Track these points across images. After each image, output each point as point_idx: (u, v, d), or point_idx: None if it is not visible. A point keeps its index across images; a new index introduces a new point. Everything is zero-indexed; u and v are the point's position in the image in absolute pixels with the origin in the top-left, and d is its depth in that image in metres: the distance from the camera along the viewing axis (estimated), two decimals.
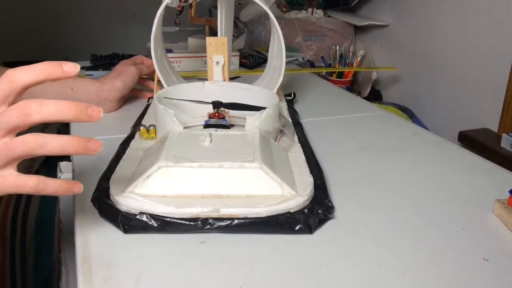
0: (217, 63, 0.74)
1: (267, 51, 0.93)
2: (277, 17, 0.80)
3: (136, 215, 0.46)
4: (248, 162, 0.48)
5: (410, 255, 0.44)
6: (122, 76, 0.80)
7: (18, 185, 0.38)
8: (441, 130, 1.23)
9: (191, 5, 0.93)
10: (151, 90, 0.87)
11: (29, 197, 1.04)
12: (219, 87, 0.73)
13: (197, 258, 0.43)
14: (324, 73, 1.41)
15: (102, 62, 1.06)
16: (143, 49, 1.14)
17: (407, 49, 1.41)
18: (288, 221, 0.46)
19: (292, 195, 0.48)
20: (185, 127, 0.60)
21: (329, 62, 1.48)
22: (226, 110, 0.66)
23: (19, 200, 1.04)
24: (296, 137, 0.65)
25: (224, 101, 0.65)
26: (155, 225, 0.45)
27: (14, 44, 1.89)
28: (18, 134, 0.39)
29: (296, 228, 0.46)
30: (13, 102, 0.39)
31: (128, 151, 0.60)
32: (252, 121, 0.60)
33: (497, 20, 1.09)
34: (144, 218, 0.46)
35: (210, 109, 0.65)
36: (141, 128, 0.65)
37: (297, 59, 1.35)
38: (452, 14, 1.23)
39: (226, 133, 0.58)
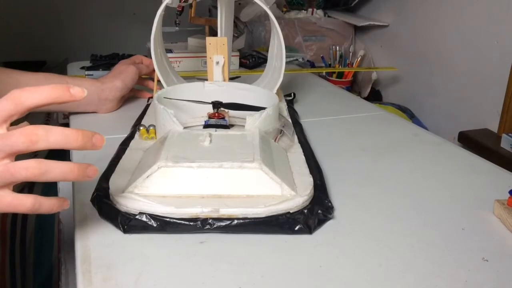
0: (217, 63, 0.74)
1: (267, 51, 0.93)
2: (277, 17, 0.80)
3: (135, 215, 0.46)
4: (247, 162, 0.48)
5: (410, 255, 0.44)
6: (122, 76, 0.80)
7: (14, 204, 0.38)
8: (441, 130, 1.23)
9: (191, 5, 0.93)
10: (151, 90, 0.87)
11: None
12: (219, 87, 0.73)
13: (196, 258, 0.43)
14: (324, 73, 1.42)
15: (102, 62, 1.07)
16: (143, 49, 1.14)
17: (407, 49, 1.41)
18: (287, 221, 0.46)
19: (292, 195, 0.48)
20: (185, 127, 0.60)
21: (329, 62, 1.48)
22: (226, 110, 0.66)
23: None
24: (296, 137, 0.65)
25: (224, 101, 0.65)
26: (155, 225, 0.45)
27: (14, 44, 1.89)
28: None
29: (296, 228, 0.46)
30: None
31: (128, 151, 0.60)
32: (252, 121, 0.60)
33: (497, 20, 1.09)
34: (144, 218, 0.46)
35: (210, 109, 0.65)
36: (141, 128, 0.65)
37: (297, 59, 1.35)
38: (452, 14, 1.23)
39: (226, 133, 0.58)
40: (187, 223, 0.45)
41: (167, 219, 0.45)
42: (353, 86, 1.50)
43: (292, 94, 0.89)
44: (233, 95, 0.70)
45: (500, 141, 1.03)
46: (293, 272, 0.41)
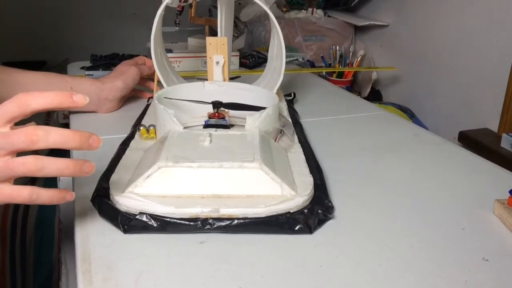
0: (217, 63, 0.74)
1: (267, 51, 0.93)
2: (277, 17, 0.80)
3: (136, 215, 0.46)
4: (248, 162, 0.48)
5: (410, 255, 0.44)
6: (123, 76, 0.80)
7: (13, 195, 0.41)
8: (441, 130, 1.23)
9: (191, 5, 0.93)
10: (152, 91, 0.87)
11: None
12: (219, 87, 0.73)
13: (196, 258, 0.43)
14: (324, 73, 1.42)
15: (102, 62, 1.06)
16: (143, 49, 1.14)
17: (407, 49, 1.41)
18: (288, 221, 0.46)
19: (292, 195, 0.48)
20: (185, 127, 0.60)
21: (329, 62, 1.48)
22: (226, 110, 0.66)
23: None
24: (296, 137, 0.65)
25: (224, 101, 0.65)
26: (155, 225, 0.45)
27: (14, 44, 1.89)
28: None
29: (296, 228, 0.46)
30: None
31: (128, 151, 0.60)
32: (252, 121, 0.60)
33: (497, 20, 1.09)
34: (144, 218, 0.46)
35: (210, 109, 0.65)
36: (141, 128, 0.65)
37: (297, 59, 1.35)
38: (452, 14, 1.23)
39: (226, 133, 0.58)
40: (187, 223, 0.45)
41: (167, 219, 0.45)
42: (353, 86, 1.50)
43: (292, 94, 0.89)
44: (233, 95, 0.70)
45: (500, 141, 1.03)
46: (293, 272, 0.41)
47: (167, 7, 0.72)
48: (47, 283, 1.08)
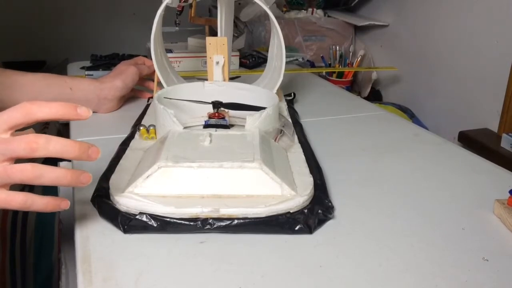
0: (217, 63, 0.74)
1: (267, 51, 0.93)
2: (277, 17, 0.80)
3: (136, 215, 0.46)
4: (248, 162, 0.48)
5: (410, 255, 0.44)
6: (122, 76, 0.80)
7: (7, 200, 0.41)
8: (441, 130, 1.23)
9: (191, 5, 0.93)
10: (151, 91, 0.87)
11: None
12: (219, 87, 0.73)
13: (196, 258, 0.43)
14: (324, 73, 1.41)
15: (102, 62, 1.07)
16: (143, 49, 1.14)
17: (407, 49, 1.41)
18: (288, 221, 0.46)
19: (292, 195, 0.48)
20: (185, 127, 0.60)
21: (329, 62, 1.48)
22: (226, 110, 0.66)
23: None
24: (296, 137, 0.65)
25: (224, 101, 0.65)
26: (155, 225, 0.45)
27: (14, 44, 1.89)
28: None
29: (296, 228, 0.46)
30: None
31: (128, 151, 0.60)
32: (252, 121, 0.60)
33: (497, 20, 1.09)
34: (144, 218, 0.46)
35: (210, 109, 0.65)
36: (141, 128, 0.65)
37: (297, 59, 1.35)
38: (452, 14, 1.23)
39: (226, 133, 0.58)
40: (187, 223, 0.45)
41: (167, 219, 0.45)
42: (353, 86, 1.50)
43: (292, 94, 0.89)
44: (233, 95, 0.70)
45: (500, 141, 1.03)
46: (293, 272, 0.41)
47: (167, 7, 0.72)
48: (47, 283, 1.08)
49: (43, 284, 1.09)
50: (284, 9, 1.58)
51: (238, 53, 1.13)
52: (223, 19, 0.77)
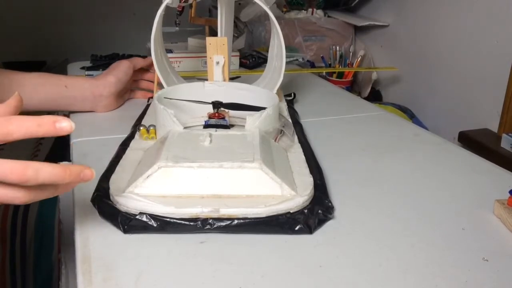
0: (217, 63, 0.74)
1: (267, 51, 0.93)
2: (277, 17, 0.80)
3: (136, 215, 0.46)
4: (248, 162, 0.48)
5: (410, 255, 0.44)
6: (114, 71, 0.81)
7: (4, 199, 0.38)
8: (441, 130, 1.23)
9: (191, 5, 0.93)
10: (151, 91, 0.87)
11: None
12: (219, 87, 0.73)
13: (196, 258, 0.43)
14: (324, 73, 1.41)
15: (102, 62, 1.06)
16: (143, 49, 1.14)
17: (407, 49, 1.41)
18: (288, 221, 0.46)
19: (292, 195, 0.48)
20: (185, 127, 0.60)
21: (329, 62, 1.48)
22: (226, 110, 0.66)
23: None
24: (296, 137, 0.65)
25: (224, 101, 0.65)
26: (155, 225, 0.45)
27: (14, 44, 1.89)
28: None
29: (296, 228, 0.46)
30: None
31: (128, 151, 0.60)
32: (252, 121, 0.60)
33: (497, 20, 1.09)
34: (144, 218, 0.46)
35: (210, 109, 0.65)
36: (141, 128, 0.65)
37: (297, 59, 1.35)
38: (452, 14, 1.23)
39: (226, 133, 0.58)
40: (187, 223, 0.45)
41: (167, 219, 0.45)
42: (353, 86, 1.50)
43: (292, 94, 0.89)
44: (233, 95, 0.70)
45: (500, 141, 1.03)
46: (293, 272, 0.41)
47: (167, 7, 0.72)
48: (47, 283, 1.08)
49: (43, 284, 1.09)
50: (284, 9, 1.58)
51: (238, 53, 1.13)
52: (223, 19, 0.77)
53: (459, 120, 1.20)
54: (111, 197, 0.48)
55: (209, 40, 0.73)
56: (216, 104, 0.65)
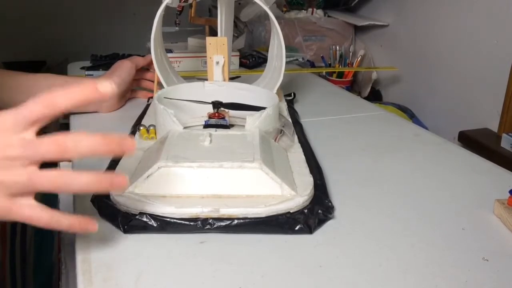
0: (217, 63, 0.74)
1: (267, 51, 0.93)
2: (277, 17, 0.80)
3: (136, 215, 0.46)
4: (248, 162, 0.48)
5: (410, 255, 0.44)
6: (117, 72, 0.81)
7: (34, 219, 0.38)
8: (441, 130, 1.23)
9: (191, 5, 0.93)
10: (151, 91, 0.87)
11: None
12: (219, 87, 0.73)
13: (197, 258, 0.43)
14: (324, 73, 1.41)
15: (102, 62, 1.06)
16: (143, 49, 1.14)
17: (407, 49, 1.41)
18: (288, 221, 0.46)
19: (292, 195, 0.48)
20: (185, 127, 0.60)
21: (329, 62, 1.48)
22: (226, 110, 0.66)
23: None
24: (296, 137, 0.65)
25: (224, 101, 0.65)
26: (155, 225, 0.45)
27: (14, 44, 1.89)
28: None
29: (296, 228, 0.46)
30: None
31: None
32: (252, 121, 0.60)
33: (497, 20, 1.09)
34: (144, 218, 0.45)
35: (210, 109, 0.65)
36: (141, 128, 0.65)
37: (297, 59, 1.35)
38: (452, 14, 1.23)
39: (226, 133, 0.58)
40: (187, 223, 0.45)
41: (167, 219, 0.45)
42: (353, 86, 1.50)
43: (292, 94, 0.89)
44: (233, 95, 0.70)
45: (500, 141, 1.03)
46: (293, 272, 0.41)
47: (167, 7, 0.72)
48: (47, 283, 1.08)
49: (43, 284, 1.09)
50: (284, 9, 1.58)
51: (238, 53, 1.13)
52: (223, 19, 0.77)
53: (459, 120, 1.20)
54: (111, 197, 0.48)
55: (209, 40, 0.73)
56: (216, 104, 0.65)
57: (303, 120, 0.78)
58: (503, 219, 0.50)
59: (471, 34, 1.17)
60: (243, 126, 0.61)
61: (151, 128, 0.65)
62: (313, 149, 0.64)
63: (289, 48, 1.35)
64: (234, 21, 1.22)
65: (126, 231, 0.46)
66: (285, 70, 0.75)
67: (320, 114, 0.83)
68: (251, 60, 1.17)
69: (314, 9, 1.59)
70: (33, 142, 0.36)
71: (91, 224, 0.40)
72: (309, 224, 0.47)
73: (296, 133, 0.67)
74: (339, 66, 1.45)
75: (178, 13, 0.91)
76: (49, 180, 0.36)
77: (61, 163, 0.67)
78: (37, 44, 1.93)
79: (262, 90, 0.73)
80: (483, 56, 1.13)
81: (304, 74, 1.15)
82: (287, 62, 0.76)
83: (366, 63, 1.53)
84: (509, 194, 0.51)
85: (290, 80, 1.04)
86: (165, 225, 0.45)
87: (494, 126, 1.11)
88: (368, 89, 1.46)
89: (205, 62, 0.77)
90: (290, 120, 0.74)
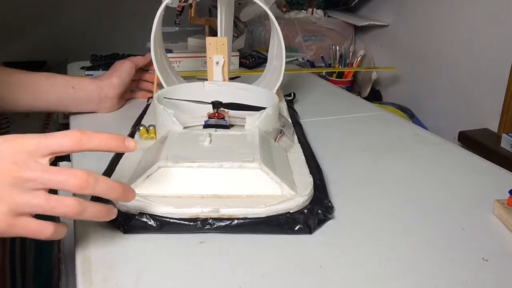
0: (217, 63, 0.74)
1: (267, 51, 0.93)
2: (277, 17, 0.80)
3: (135, 215, 0.46)
4: (247, 162, 0.48)
5: (410, 255, 0.44)
6: (117, 72, 0.81)
7: (37, 232, 0.39)
8: (441, 130, 1.23)
9: (191, 5, 0.93)
10: (150, 91, 0.87)
11: None
12: (219, 87, 0.73)
13: (196, 258, 0.43)
14: (324, 73, 1.41)
15: (102, 62, 1.06)
16: (143, 49, 1.14)
17: (407, 49, 1.41)
18: (287, 221, 0.46)
19: (292, 195, 0.48)
20: (184, 127, 0.60)
21: (329, 62, 1.48)
22: (226, 110, 0.66)
23: None
24: (295, 137, 0.65)
25: (224, 101, 0.65)
26: (155, 225, 0.45)
27: (14, 44, 1.89)
28: None
29: (296, 228, 0.46)
30: None
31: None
32: (252, 121, 0.60)
33: (497, 20, 1.09)
34: (144, 218, 0.46)
35: (210, 109, 0.65)
36: (141, 128, 0.65)
37: (297, 59, 1.35)
38: (452, 14, 1.23)
39: (226, 133, 0.58)
40: (187, 223, 0.45)
41: (167, 219, 0.45)
42: (353, 86, 1.50)
43: (292, 94, 0.89)
44: (233, 95, 0.70)
45: (500, 141, 1.03)
46: (293, 272, 0.41)
47: (167, 7, 0.72)
48: (47, 283, 1.08)
49: (43, 284, 1.09)
50: (284, 9, 1.58)
51: (238, 53, 1.13)
52: (223, 19, 0.77)
53: (459, 120, 1.20)
54: None
55: (209, 40, 0.73)
56: (216, 104, 0.65)
57: (303, 120, 0.78)
58: (502, 219, 0.50)
59: (471, 34, 1.17)
60: (243, 126, 0.61)
61: (151, 128, 0.65)
62: (313, 149, 0.64)
63: (289, 48, 1.35)
64: (234, 21, 1.22)
65: (126, 231, 0.46)
66: (285, 70, 0.75)
67: (320, 114, 0.83)
68: (251, 60, 1.17)
69: (314, 9, 1.58)
70: (53, 169, 0.38)
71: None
72: (309, 224, 0.47)
73: (296, 133, 0.67)
74: (339, 66, 1.45)
75: (178, 13, 0.91)
76: (66, 205, 0.38)
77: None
78: (37, 44, 1.93)
79: (262, 90, 0.73)
80: (483, 56, 1.13)
81: (304, 74, 1.15)
82: (287, 62, 0.76)
83: (366, 63, 1.53)
84: (509, 194, 0.51)
85: (290, 80, 1.04)
86: (165, 225, 0.45)
87: (494, 126, 1.10)
88: (368, 89, 1.46)
89: (205, 62, 0.77)
90: (290, 120, 0.74)
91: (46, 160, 0.39)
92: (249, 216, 0.46)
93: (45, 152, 0.38)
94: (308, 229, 0.47)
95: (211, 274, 0.41)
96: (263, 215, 0.46)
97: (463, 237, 0.47)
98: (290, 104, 0.83)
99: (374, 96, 1.48)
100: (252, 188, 0.48)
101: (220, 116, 0.64)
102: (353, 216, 0.50)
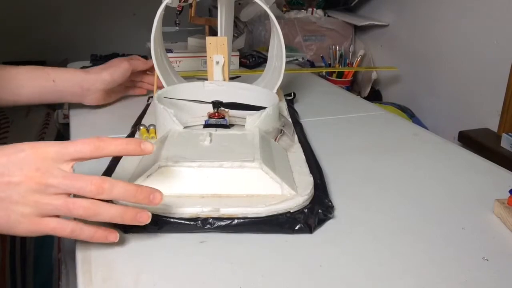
0: (217, 63, 0.74)
1: (267, 51, 0.93)
2: (277, 17, 0.80)
3: None
4: (248, 161, 0.48)
5: (410, 255, 0.44)
6: (111, 69, 0.79)
7: (57, 229, 0.41)
8: (441, 130, 1.23)
9: (191, 5, 0.93)
10: (151, 91, 0.87)
11: None
12: (219, 87, 0.73)
13: (197, 258, 0.43)
14: (324, 73, 1.41)
15: (102, 62, 1.06)
16: (143, 49, 1.14)
17: (407, 49, 1.41)
18: (288, 221, 0.46)
19: (292, 195, 0.48)
20: (185, 127, 0.60)
21: (329, 62, 1.48)
22: (226, 109, 0.66)
23: None
24: (296, 137, 0.65)
25: (224, 101, 0.65)
26: (155, 225, 0.45)
27: (14, 44, 1.89)
28: None
29: (296, 228, 0.46)
30: None
31: None
32: (252, 121, 0.60)
33: (497, 20, 1.09)
34: None
35: (210, 108, 0.65)
36: (141, 128, 0.65)
37: (297, 59, 1.35)
38: (452, 14, 1.23)
39: (226, 132, 0.58)
40: (187, 222, 0.45)
41: (167, 219, 0.45)
42: (353, 86, 1.50)
43: (292, 94, 0.89)
44: (233, 95, 0.70)
45: (500, 140, 1.03)
46: (293, 271, 0.41)
47: (167, 7, 0.72)
48: (47, 283, 1.08)
49: (43, 284, 1.09)
50: (284, 9, 1.58)
51: (238, 53, 1.13)
52: (223, 19, 0.77)
53: (459, 119, 1.20)
54: None
55: (209, 39, 0.73)
56: (216, 104, 0.65)
57: (303, 120, 0.78)
58: (503, 219, 0.50)
59: (471, 34, 1.17)
60: (243, 125, 0.61)
61: (151, 127, 0.65)
62: (313, 148, 0.64)
63: (289, 48, 1.35)
64: (234, 21, 1.22)
65: (126, 231, 0.46)
66: (285, 70, 0.75)
67: (320, 114, 0.83)
68: (251, 60, 1.17)
69: (314, 9, 1.58)
70: (73, 176, 0.40)
71: (112, 234, 0.43)
72: (309, 224, 0.47)
73: (296, 133, 0.67)
74: (339, 66, 1.45)
75: (178, 13, 0.91)
76: (84, 208, 0.40)
77: None
78: (37, 44, 1.93)
79: (262, 90, 0.73)
80: (483, 56, 1.13)
81: (304, 74, 1.15)
82: (287, 62, 0.76)
83: (366, 63, 1.53)
84: (509, 194, 0.51)
85: (290, 80, 1.04)
86: (165, 225, 0.45)
87: (494, 126, 1.10)
88: (368, 89, 1.46)
89: (205, 62, 0.77)
90: (290, 120, 0.74)
91: (67, 167, 0.41)
92: (249, 216, 0.46)
93: (66, 158, 0.41)
94: (309, 229, 0.47)
95: (211, 274, 0.41)
96: (264, 215, 0.46)
97: (463, 236, 0.47)
98: (290, 104, 0.84)
99: (374, 96, 1.48)
100: (252, 187, 0.48)
101: (220, 115, 0.64)
102: (354, 215, 0.50)
